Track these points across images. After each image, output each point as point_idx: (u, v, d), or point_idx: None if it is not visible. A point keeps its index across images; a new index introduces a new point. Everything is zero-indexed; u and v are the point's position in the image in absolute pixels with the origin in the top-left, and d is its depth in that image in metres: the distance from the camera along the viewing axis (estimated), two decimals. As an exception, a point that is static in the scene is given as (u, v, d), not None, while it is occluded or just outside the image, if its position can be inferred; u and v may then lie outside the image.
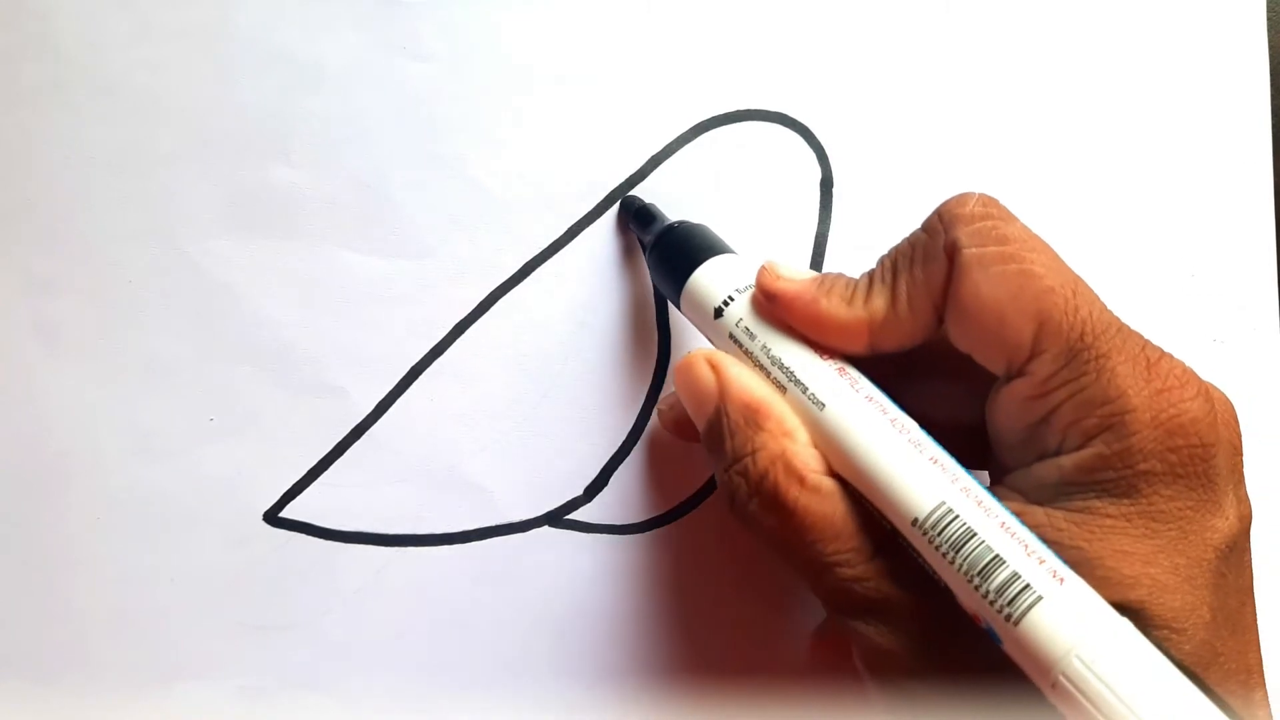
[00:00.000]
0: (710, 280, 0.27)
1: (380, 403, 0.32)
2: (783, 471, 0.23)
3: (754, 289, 0.26)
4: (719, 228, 0.33)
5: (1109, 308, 0.23)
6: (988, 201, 0.24)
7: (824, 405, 0.24)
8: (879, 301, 0.24)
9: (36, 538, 0.32)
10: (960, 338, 0.24)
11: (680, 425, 0.30)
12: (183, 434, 0.32)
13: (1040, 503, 0.22)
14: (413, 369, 0.32)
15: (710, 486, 0.33)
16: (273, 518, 0.32)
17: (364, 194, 0.32)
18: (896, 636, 0.23)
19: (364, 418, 0.32)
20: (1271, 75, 0.34)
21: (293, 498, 0.32)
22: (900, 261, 0.24)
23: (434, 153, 0.32)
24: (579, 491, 0.32)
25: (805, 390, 0.24)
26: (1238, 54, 0.34)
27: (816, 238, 0.33)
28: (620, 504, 0.32)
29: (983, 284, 0.23)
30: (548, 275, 0.32)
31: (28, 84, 0.32)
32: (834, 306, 0.24)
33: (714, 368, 0.25)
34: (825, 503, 0.23)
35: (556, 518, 0.32)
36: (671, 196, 0.33)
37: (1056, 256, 0.23)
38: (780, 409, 0.24)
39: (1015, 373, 0.23)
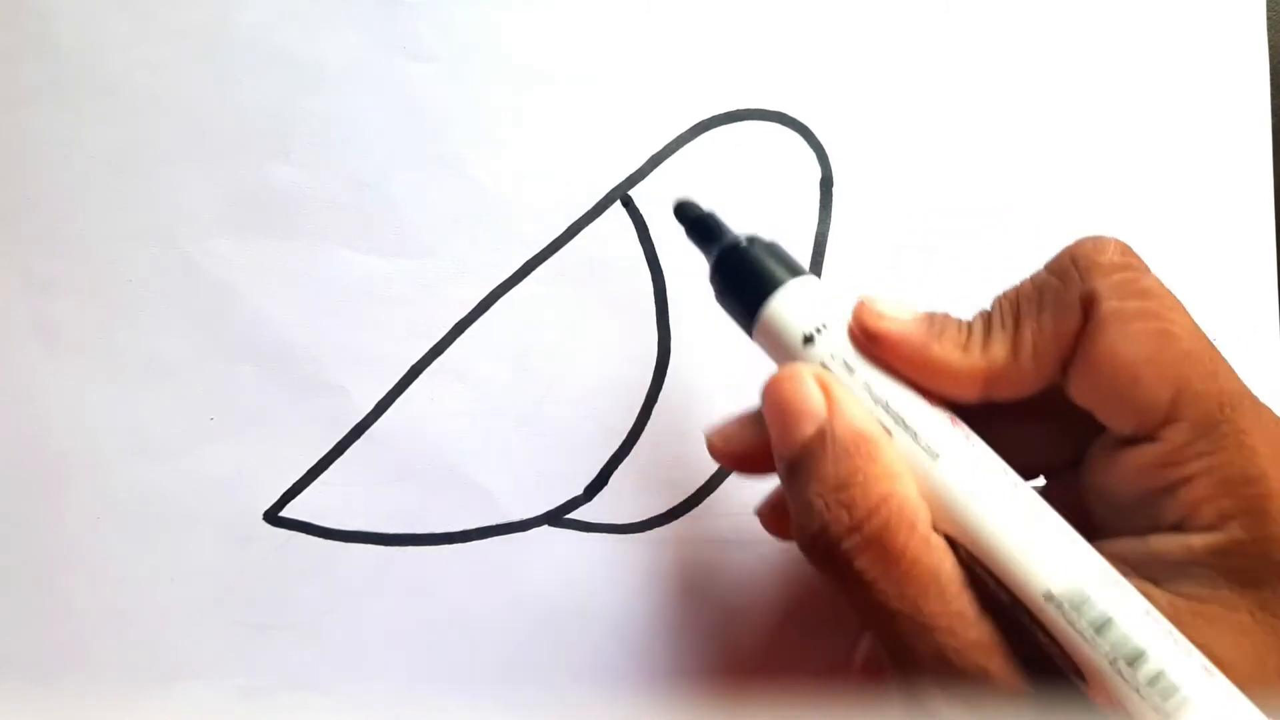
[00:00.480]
0: (796, 305, 0.24)
1: (380, 402, 0.32)
2: (895, 512, 0.21)
3: (850, 322, 0.23)
4: (719, 228, 0.33)
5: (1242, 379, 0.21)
6: (1126, 250, 0.22)
7: (938, 456, 0.22)
8: (999, 350, 0.22)
9: (36, 538, 0.32)
10: (1083, 393, 0.22)
11: (740, 456, 0.26)
12: (183, 434, 0.32)
13: (1154, 579, 0.21)
14: (412, 369, 0.32)
15: (710, 487, 0.33)
16: (273, 518, 0.32)
17: (364, 194, 0.32)
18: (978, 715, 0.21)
19: (364, 417, 0.32)
20: (1271, 75, 0.34)
21: (293, 498, 0.32)
22: (1025, 306, 0.22)
23: (434, 153, 0.32)
24: (579, 491, 0.32)
25: (916, 437, 0.22)
26: (1238, 54, 0.34)
27: (816, 238, 0.33)
28: (620, 504, 0.32)
29: (1121, 341, 0.21)
30: (548, 275, 0.32)
31: (28, 84, 0.32)
32: (948, 352, 0.22)
33: (823, 387, 0.22)
34: (934, 555, 0.21)
35: (556, 517, 0.32)
36: (671, 196, 0.33)
37: (1192, 318, 0.22)
38: (892, 449, 0.22)
39: (1144, 436, 0.21)
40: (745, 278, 0.25)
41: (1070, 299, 0.22)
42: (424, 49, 0.32)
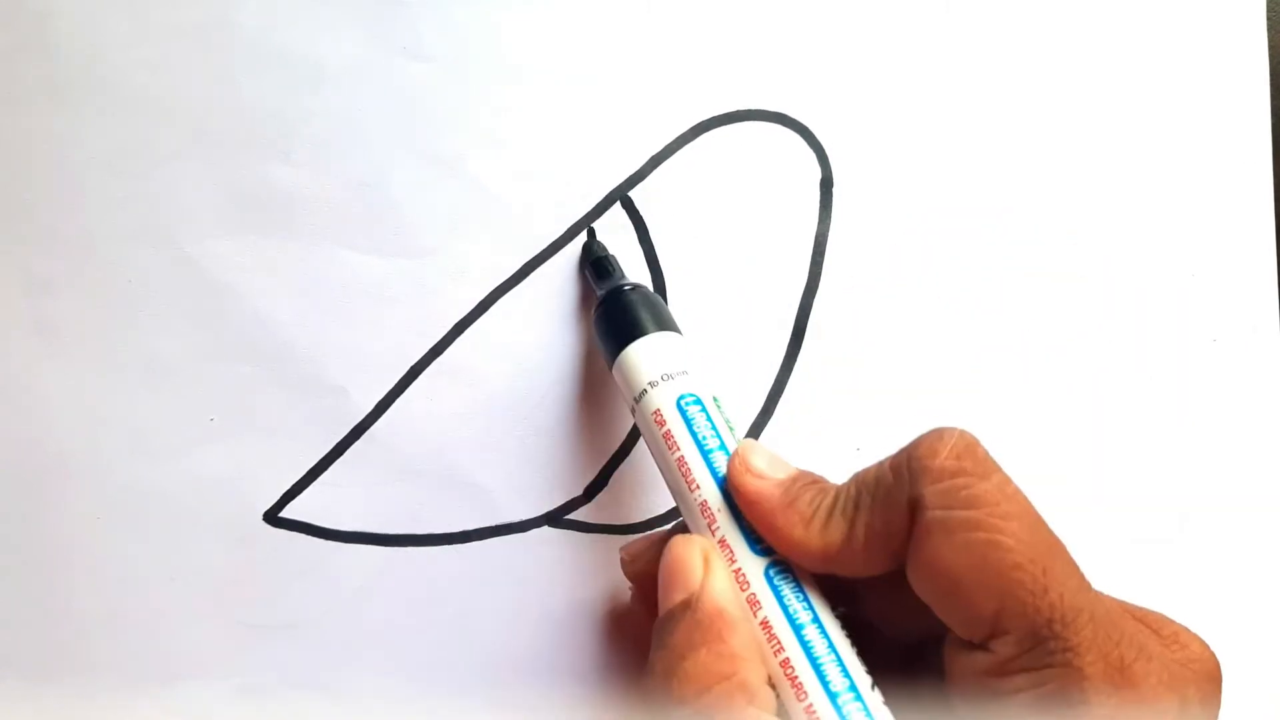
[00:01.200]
0: (640, 359, 0.27)
1: (380, 402, 0.32)
2: (727, 694, 0.21)
3: (731, 458, 0.25)
4: (719, 228, 0.33)
5: (1088, 584, 0.21)
6: (962, 452, 0.22)
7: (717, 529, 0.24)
8: (835, 534, 0.23)
9: (36, 538, 0.32)
10: (919, 590, 0.22)
11: (642, 581, 0.28)
12: (183, 434, 0.32)
13: None
14: (412, 368, 0.32)
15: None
16: (273, 518, 0.32)
17: (364, 194, 0.32)
18: None
19: (364, 417, 0.32)
20: (1271, 75, 0.34)
21: (293, 498, 0.32)
22: (864, 497, 0.23)
23: (434, 153, 0.32)
24: (579, 491, 0.32)
25: (697, 501, 0.25)
26: (1238, 54, 0.34)
27: (816, 238, 0.33)
28: (620, 504, 0.32)
29: (944, 550, 0.21)
30: (547, 275, 0.32)
31: (28, 84, 0.32)
32: (792, 524, 0.23)
33: (705, 560, 0.24)
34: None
35: (556, 518, 0.32)
36: (671, 196, 0.33)
37: (1033, 523, 0.21)
38: (747, 633, 0.23)
39: (974, 645, 0.21)
40: (614, 325, 0.29)
41: (899, 500, 0.22)
42: (424, 49, 0.32)
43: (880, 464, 0.23)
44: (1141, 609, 0.22)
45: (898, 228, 0.33)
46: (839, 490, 0.24)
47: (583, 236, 0.33)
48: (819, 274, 0.33)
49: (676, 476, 0.26)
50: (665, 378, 0.27)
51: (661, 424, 0.26)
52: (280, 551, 0.32)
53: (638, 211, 0.33)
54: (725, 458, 0.25)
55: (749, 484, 0.24)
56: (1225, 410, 0.34)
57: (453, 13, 0.32)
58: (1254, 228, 0.34)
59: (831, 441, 0.33)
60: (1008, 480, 0.22)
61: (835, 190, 0.33)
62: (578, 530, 0.32)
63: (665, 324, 0.29)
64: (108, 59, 0.32)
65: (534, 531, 0.32)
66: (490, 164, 0.32)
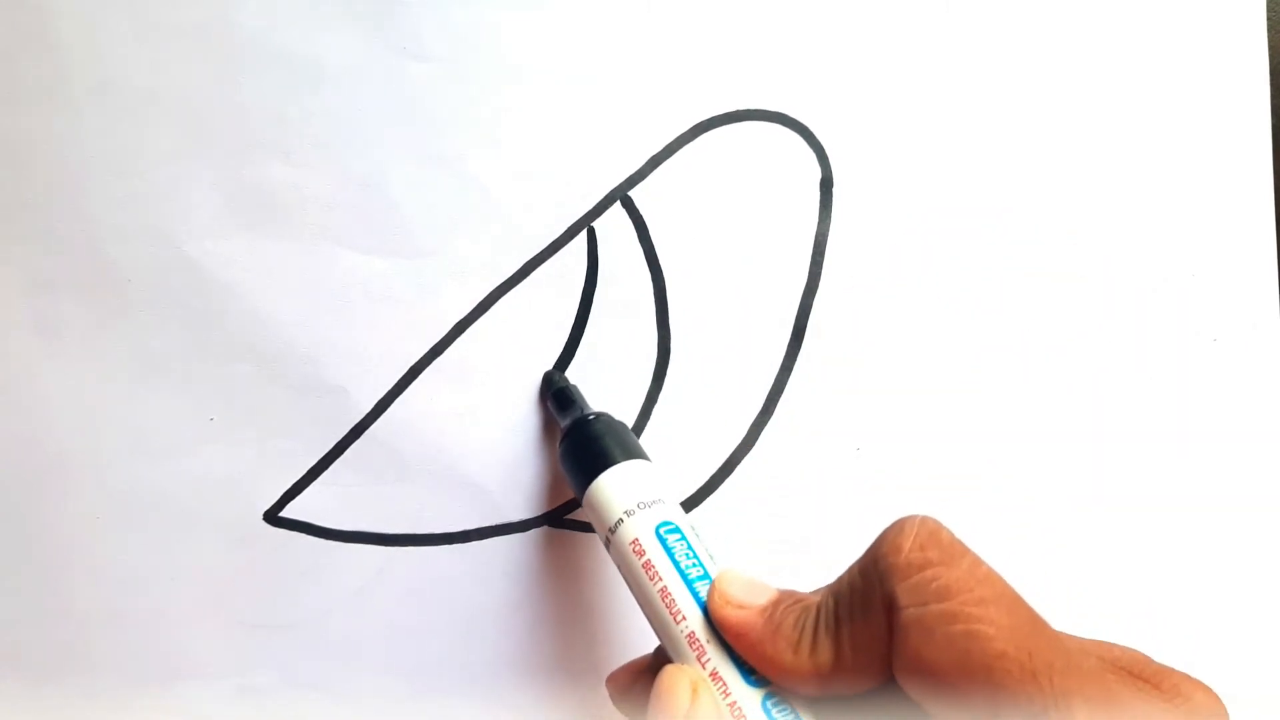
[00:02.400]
0: (613, 489, 0.27)
1: (380, 402, 0.32)
2: None
3: (711, 589, 0.24)
4: (719, 227, 0.33)
5: (1074, 656, 0.20)
6: (926, 541, 0.21)
7: (708, 661, 0.23)
8: (825, 654, 0.22)
9: (36, 538, 0.32)
10: (909, 692, 0.21)
11: (627, 703, 0.28)
12: (183, 434, 0.32)
13: None
14: (412, 368, 0.32)
15: (710, 487, 0.33)
16: (273, 518, 0.32)
17: (364, 194, 0.32)
18: None
19: (364, 417, 0.32)
20: (1271, 75, 0.34)
21: (293, 498, 0.32)
22: (841, 608, 0.22)
23: (434, 153, 0.32)
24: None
25: (684, 633, 0.24)
26: (1238, 54, 0.34)
27: (816, 238, 0.33)
28: (620, 504, 0.32)
29: (926, 649, 0.20)
30: (547, 275, 0.32)
31: (28, 84, 0.32)
32: (780, 651, 0.22)
33: (693, 690, 0.23)
34: None
35: (556, 518, 0.32)
36: (671, 196, 0.33)
37: (1011, 603, 0.20)
38: None
39: None
40: (585, 451, 0.28)
41: (875, 604, 0.21)
42: (424, 49, 0.32)
43: (850, 569, 0.22)
44: (1140, 659, 0.21)
45: (898, 228, 0.33)
46: (818, 606, 0.23)
47: (583, 237, 0.33)
48: (819, 274, 0.33)
49: (659, 609, 0.24)
50: (641, 506, 0.26)
51: (640, 554, 0.25)
52: (280, 551, 0.32)
53: (638, 211, 0.33)
54: (709, 586, 0.24)
55: (732, 616, 0.23)
56: (1225, 410, 0.34)
57: (453, 13, 0.32)
58: (1254, 228, 0.34)
59: (831, 441, 0.33)
60: (978, 561, 0.21)
61: (835, 190, 0.33)
62: (578, 530, 0.32)
63: (634, 452, 0.28)
64: (108, 59, 0.32)
65: (534, 531, 0.32)
66: (490, 164, 0.32)
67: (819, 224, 0.33)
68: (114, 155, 0.32)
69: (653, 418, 0.32)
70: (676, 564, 0.25)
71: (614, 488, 0.27)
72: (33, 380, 0.32)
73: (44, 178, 0.32)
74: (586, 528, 0.32)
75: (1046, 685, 0.19)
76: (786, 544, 0.33)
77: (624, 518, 0.26)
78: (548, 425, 0.32)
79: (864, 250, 0.33)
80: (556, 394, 0.31)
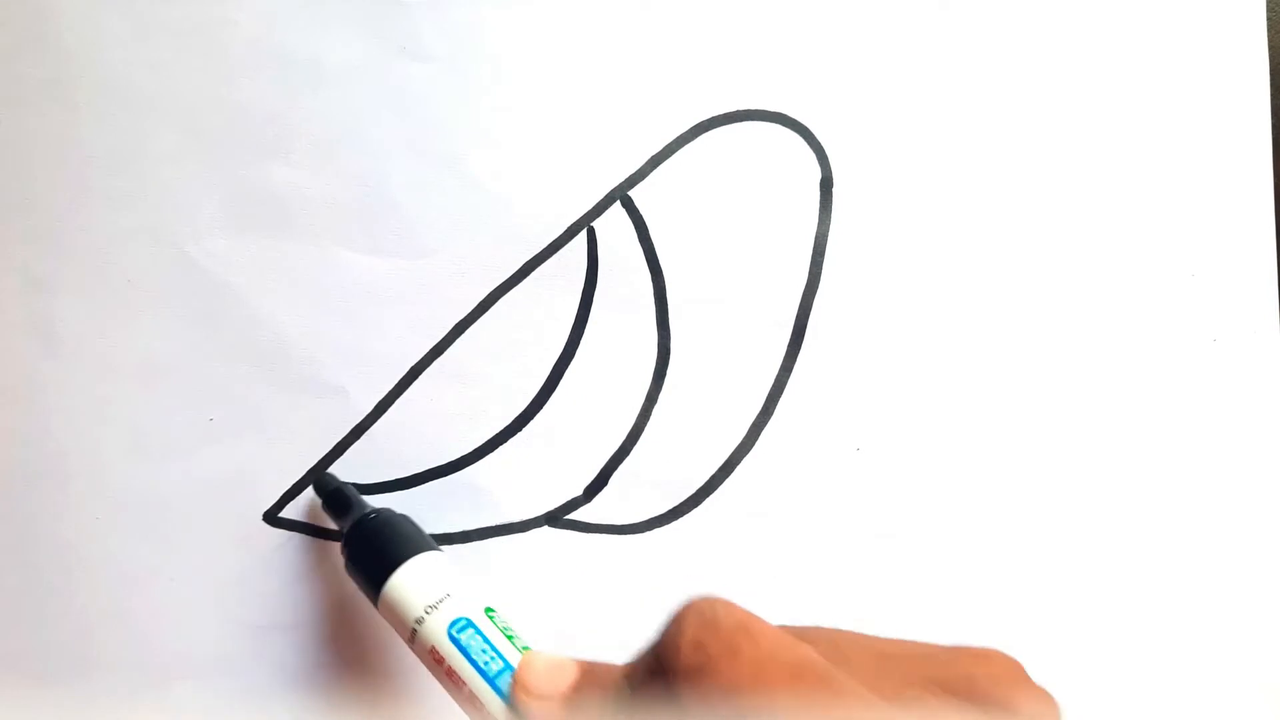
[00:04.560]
0: (400, 595, 0.26)
1: (380, 402, 0.32)
2: None
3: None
4: (719, 227, 0.33)
5: (879, 707, 0.19)
6: (702, 637, 0.19)
7: None
8: None
9: (36, 538, 0.32)
10: None
11: None
12: (183, 434, 0.32)
13: None
14: (412, 369, 0.32)
15: (710, 487, 0.33)
16: (273, 518, 0.32)
17: (364, 194, 0.32)
18: None
19: (364, 417, 0.32)
20: (1271, 75, 0.34)
21: (293, 498, 0.32)
22: (637, 698, 0.21)
23: (434, 153, 0.32)
24: (579, 491, 0.32)
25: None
26: (1238, 54, 0.34)
27: (816, 238, 0.33)
28: (620, 504, 0.32)
29: None
30: (547, 275, 0.32)
31: (28, 84, 0.32)
32: None
33: None
34: None
35: (556, 518, 0.32)
36: (671, 196, 0.33)
37: (799, 675, 0.19)
38: None
39: None
40: (366, 556, 0.28)
41: (664, 698, 0.20)
42: (424, 49, 0.32)
43: (643, 658, 0.20)
44: (974, 677, 0.20)
45: (898, 228, 0.33)
46: (618, 690, 0.21)
47: (583, 237, 0.33)
48: (819, 274, 0.33)
49: (470, 710, 0.24)
50: (429, 610, 0.25)
51: (440, 661, 0.25)
52: (280, 551, 0.32)
53: (638, 211, 0.33)
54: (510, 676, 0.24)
55: (534, 710, 0.23)
56: (1225, 410, 0.34)
57: (453, 13, 0.32)
58: (1254, 228, 0.34)
59: (831, 441, 0.33)
60: (758, 638, 0.19)
61: (835, 190, 0.33)
62: (578, 530, 0.32)
63: (416, 545, 0.27)
64: (108, 59, 0.31)
65: (534, 532, 0.32)
66: (490, 164, 0.32)
67: (819, 224, 0.33)
68: (114, 155, 0.32)
69: (653, 418, 0.32)
70: (475, 663, 0.24)
71: (400, 594, 0.26)
72: (33, 380, 0.32)
73: (44, 177, 0.32)
74: (586, 528, 0.32)
75: None
76: (786, 544, 0.33)
77: (416, 627, 0.26)
78: (548, 424, 0.32)
79: (864, 250, 0.33)
80: (330, 496, 0.30)
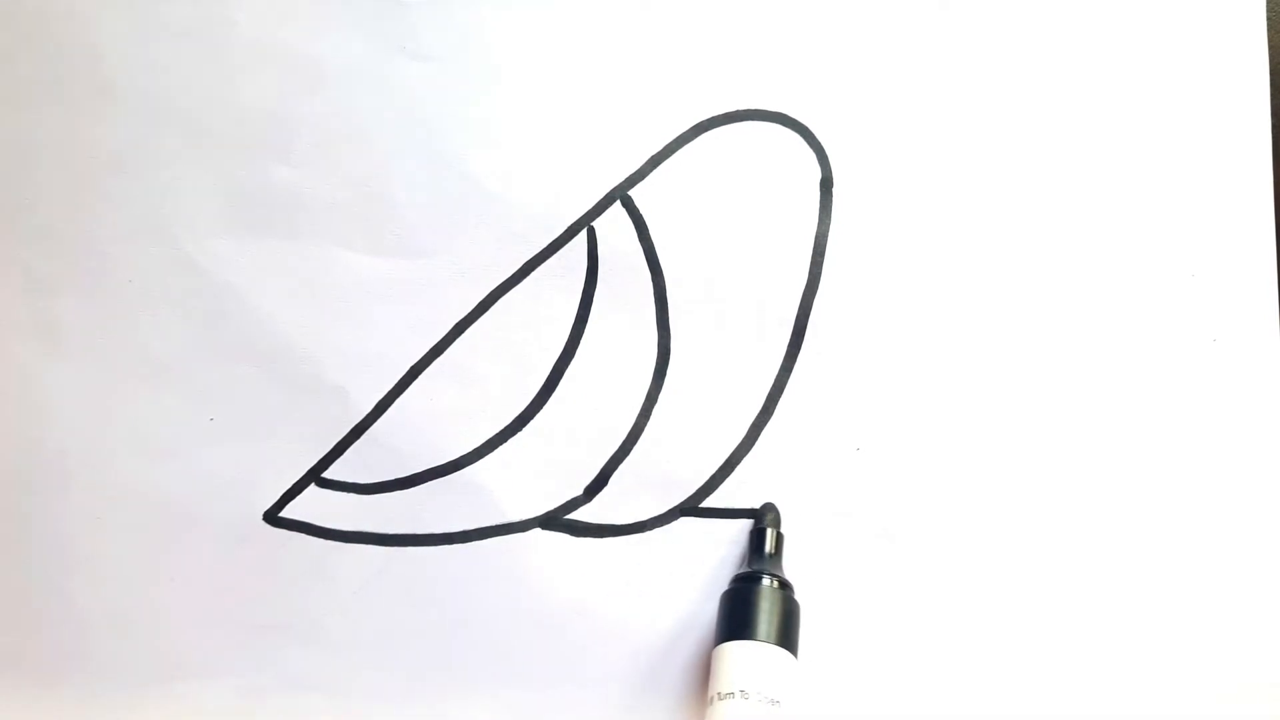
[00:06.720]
0: (732, 660, 0.28)
1: (380, 402, 0.32)
2: None
3: None
4: (719, 227, 0.33)
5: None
6: None
7: None
8: None
9: (36, 538, 0.32)
10: None
11: None
12: (183, 434, 0.32)
13: None
14: (412, 368, 0.32)
15: (710, 487, 0.33)
16: (273, 518, 0.32)
17: (364, 194, 0.32)
18: None
19: (364, 417, 0.32)
20: (1271, 75, 0.34)
21: (293, 498, 0.32)
22: None
23: (434, 153, 0.32)
24: (579, 491, 0.32)
25: None
26: (1238, 54, 0.34)
27: (816, 238, 0.33)
28: (620, 504, 0.32)
29: None
30: (547, 275, 0.32)
31: (28, 84, 0.32)
32: None
33: None
34: None
35: (556, 518, 0.32)
36: (671, 196, 0.33)
37: None
38: None
39: None
40: (740, 609, 0.29)
41: None
42: (424, 49, 0.32)
43: None
44: None
45: (898, 228, 0.33)
46: None
47: (583, 237, 0.33)
48: (819, 274, 0.33)
49: None
50: (741, 694, 0.27)
51: None
52: (280, 551, 0.32)
53: (638, 211, 0.33)
54: None
55: None
56: (1225, 410, 0.34)
57: (453, 13, 0.32)
58: (1254, 228, 0.34)
59: (831, 441, 0.33)
60: None
61: (835, 190, 0.33)
62: (577, 530, 0.32)
63: (781, 638, 0.29)
64: (108, 59, 0.32)
65: (533, 532, 0.32)
66: (490, 164, 0.32)
67: (819, 224, 0.33)
68: (114, 155, 0.32)
69: (653, 418, 0.32)
70: None
71: (733, 659, 0.28)
72: (33, 380, 0.32)
73: (44, 177, 0.32)
74: (586, 528, 0.32)
75: None
76: (786, 544, 0.33)
77: (716, 697, 0.27)
78: (548, 424, 0.32)
79: (864, 250, 0.33)
80: (758, 533, 0.32)
